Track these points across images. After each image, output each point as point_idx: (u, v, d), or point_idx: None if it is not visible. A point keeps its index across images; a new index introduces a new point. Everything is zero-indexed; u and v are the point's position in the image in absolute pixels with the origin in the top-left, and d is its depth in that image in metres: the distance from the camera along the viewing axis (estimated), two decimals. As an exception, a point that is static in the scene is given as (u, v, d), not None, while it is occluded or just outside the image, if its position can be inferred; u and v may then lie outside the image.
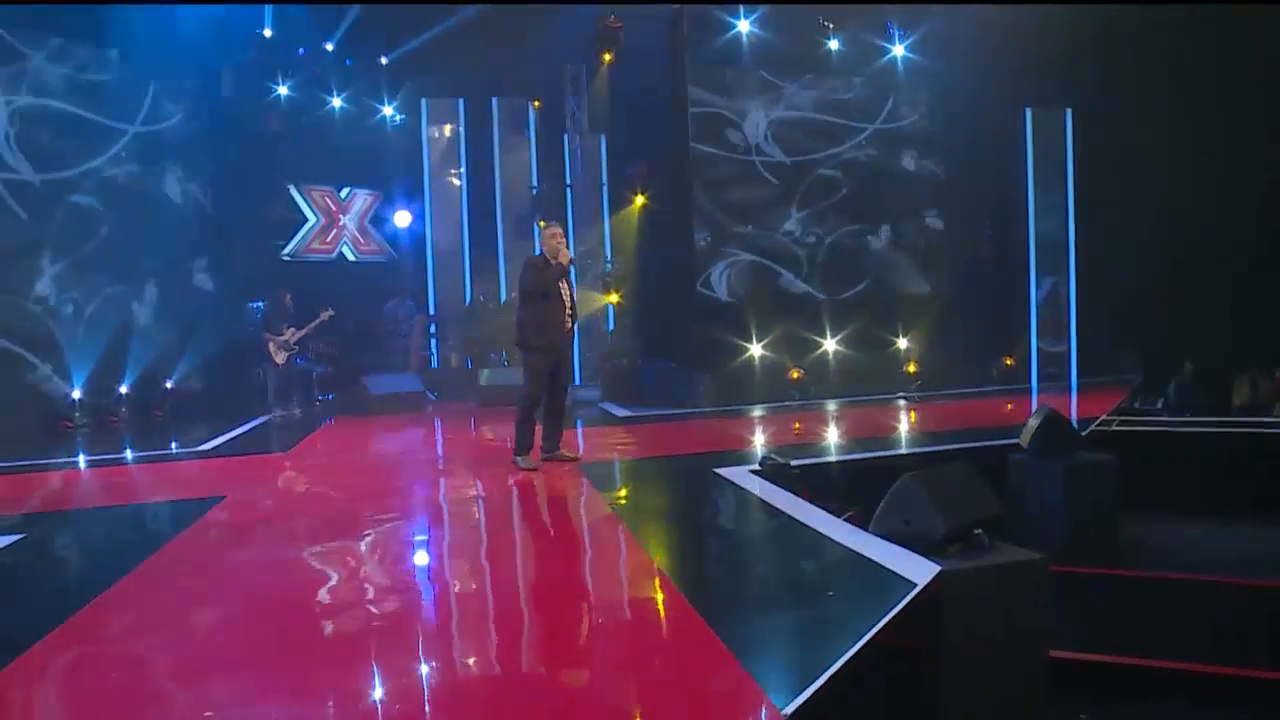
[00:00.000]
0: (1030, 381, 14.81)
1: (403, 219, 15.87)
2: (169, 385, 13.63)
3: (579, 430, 11.21)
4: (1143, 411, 11.86)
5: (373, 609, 4.67)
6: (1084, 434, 9.31)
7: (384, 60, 15.92)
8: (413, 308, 15.45)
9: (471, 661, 4.02)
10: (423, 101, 16.31)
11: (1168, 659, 5.63)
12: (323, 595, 4.92)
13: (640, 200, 14.16)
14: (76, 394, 12.52)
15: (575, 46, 14.78)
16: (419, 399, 13.97)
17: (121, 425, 12.64)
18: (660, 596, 4.71)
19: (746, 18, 14.25)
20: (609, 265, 15.29)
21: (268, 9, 14.40)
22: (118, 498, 8.02)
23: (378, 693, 3.62)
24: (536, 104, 16.10)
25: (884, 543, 5.07)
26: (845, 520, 6.05)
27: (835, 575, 4.98)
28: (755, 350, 14.06)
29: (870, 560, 4.82)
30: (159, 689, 3.75)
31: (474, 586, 5.23)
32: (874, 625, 3.77)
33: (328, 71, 15.34)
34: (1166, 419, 10.95)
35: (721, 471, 7.48)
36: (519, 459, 8.02)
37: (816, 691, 3.18)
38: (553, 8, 14.10)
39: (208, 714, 3.39)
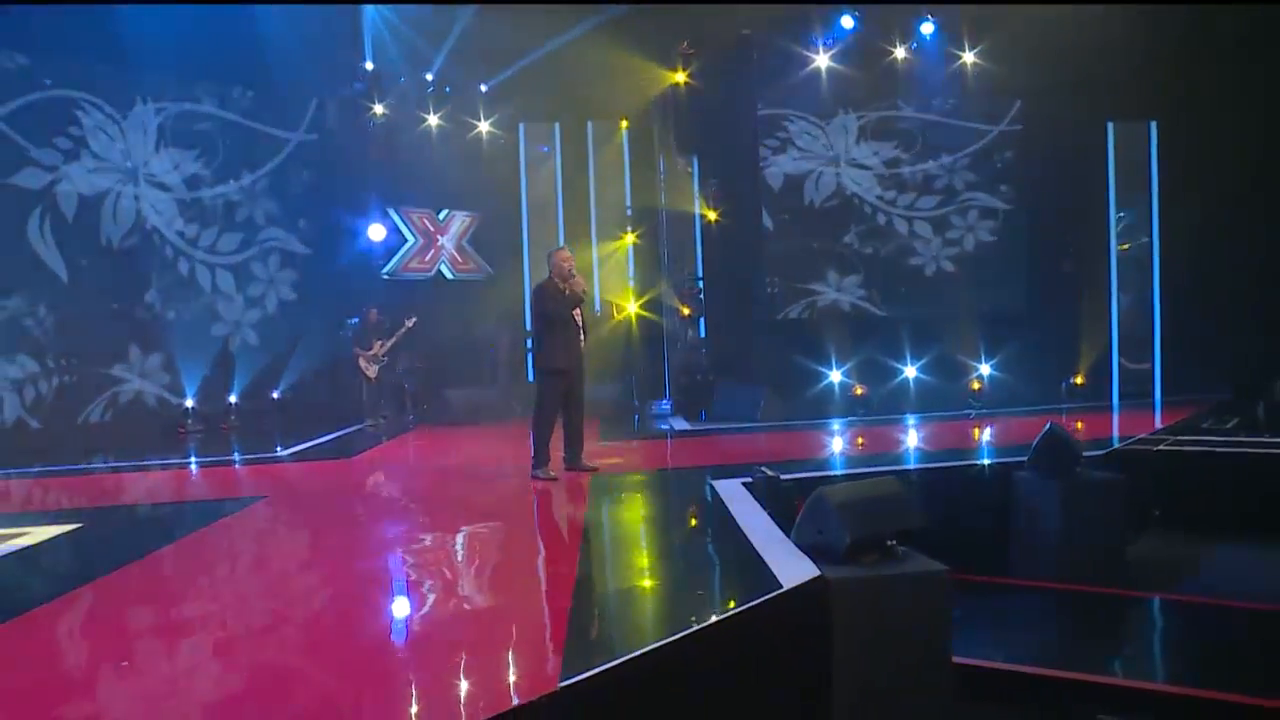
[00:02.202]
0: (1111, 399, 14.57)
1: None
2: (275, 395, 14.75)
3: (665, 443, 11.88)
4: (1212, 430, 11.61)
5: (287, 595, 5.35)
6: (1108, 452, 9.32)
7: (483, 88, 16.72)
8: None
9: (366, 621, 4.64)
10: (520, 126, 17.11)
11: (1093, 672, 5.78)
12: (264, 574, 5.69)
13: (712, 218, 14.58)
14: (189, 402, 13.75)
15: (658, 71, 15.29)
16: (504, 410, 14.69)
17: (230, 432, 13.76)
18: (557, 575, 5.47)
19: (824, 48, 14.57)
20: (700, 282, 15.71)
21: (368, 42, 15.41)
22: (177, 496, 9.04)
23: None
24: (624, 123, 16.57)
25: (791, 550, 5.41)
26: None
27: (724, 576, 5.38)
28: (820, 367, 14.28)
29: (764, 564, 5.18)
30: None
31: (395, 570, 5.97)
32: (703, 623, 4.15)
33: (427, 100, 16.24)
34: (1218, 439, 10.68)
35: (716, 483, 7.88)
36: (537, 471, 8.54)
37: (604, 673, 3.63)
38: (638, 35, 14.67)
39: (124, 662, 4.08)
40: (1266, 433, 11.23)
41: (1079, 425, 12.43)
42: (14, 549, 6.32)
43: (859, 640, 5.08)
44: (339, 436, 12.85)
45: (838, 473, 8.49)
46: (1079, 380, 14.21)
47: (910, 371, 14.45)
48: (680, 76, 14.56)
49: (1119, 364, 14.92)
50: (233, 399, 14.31)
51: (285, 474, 10.26)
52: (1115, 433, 11.54)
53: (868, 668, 5.09)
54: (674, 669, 3.89)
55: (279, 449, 11.87)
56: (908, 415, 13.32)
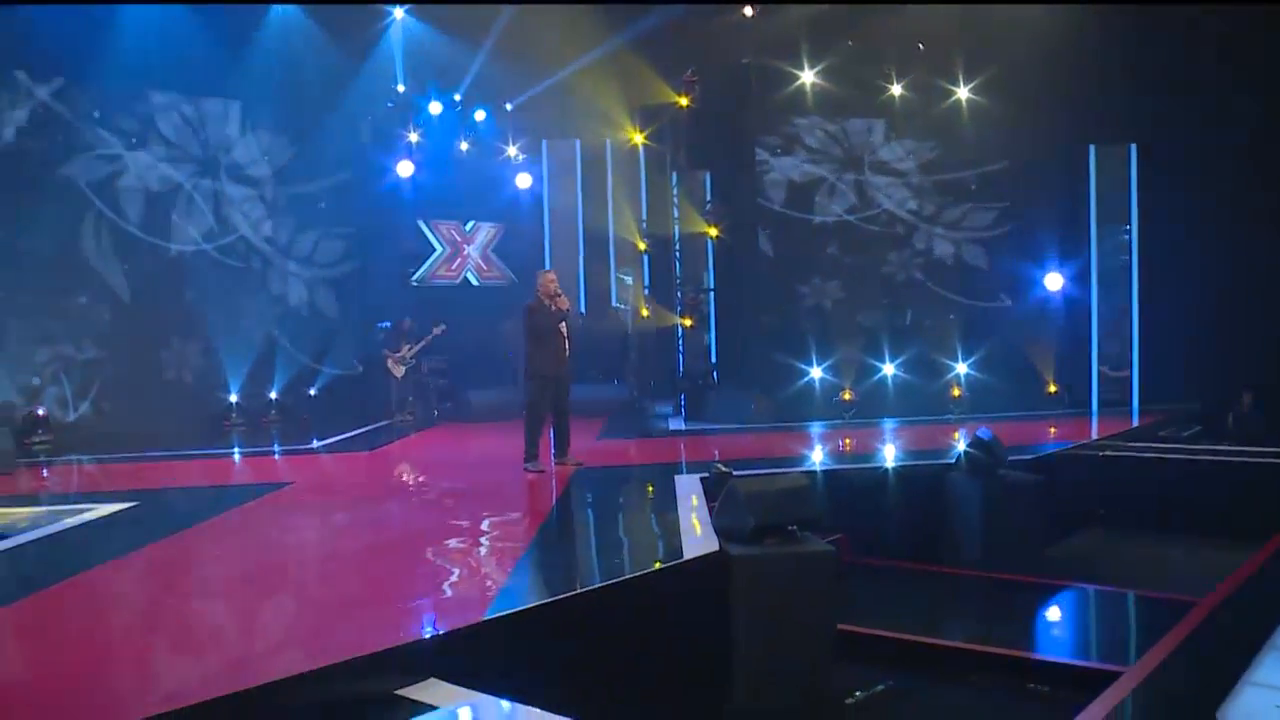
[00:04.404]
0: (1091, 406, 15.51)
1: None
2: (312, 392, 16.11)
3: (657, 442, 13.06)
4: (1168, 439, 12.57)
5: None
6: (1036, 457, 10.38)
7: (508, 106, 17.97)
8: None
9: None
10: (543, 142, 18.37)
11: (965, 640, 6.90)
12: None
13: (713, 233, 15.71)
14: (233, 398, 15.14)
15: (669, 94, 16.46)
16: (520, 410, 15.90)
17: (270, 425, 15.14)
18: (514, 542, 6.88)
19: (809, 69, 15.75)
20: (712, 293, 16.79)
21: (400, 66, 16.69)
22: (218, 480, 10.48)
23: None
24: (640, 138, 17.61)
25: (708, 531, 6.57)
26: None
27: (646, 548, 6.59)
28: (813, 372, 15.38)
29: (679, 542, 6.35)
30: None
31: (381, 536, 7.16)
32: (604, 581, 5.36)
33: (456, 117, 17.51)
34: (1163, 447, 11.61)
35: (678, 477, 9.05)
36: (528, 464, 9.79)
37: (521, 612, 4.85)
38: (653, 58, 15.84)
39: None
40: (1230, 441, 12.21)
41: (1052, 430, 13.48)
42: (81, 521, 7.69)
43: (755, 607, 6.20)
44: (367, 431, 14.15)
45: (789, 470, 9.58)
46: (1052, 388, 15.21)
47: (895, 376, 15.48)
48: (685, 101, 15.67)
49: (1099, 372, 15.87)
50: (273, 395, 15.68)
51: (314, 464, 11.61)
52: (1092, 435, 12.72)
53: (763, 630, 6.21)
54: (581, 616, 5.08)
55: (314, 441, 13.19)
56: (890, 419, 14.36)
